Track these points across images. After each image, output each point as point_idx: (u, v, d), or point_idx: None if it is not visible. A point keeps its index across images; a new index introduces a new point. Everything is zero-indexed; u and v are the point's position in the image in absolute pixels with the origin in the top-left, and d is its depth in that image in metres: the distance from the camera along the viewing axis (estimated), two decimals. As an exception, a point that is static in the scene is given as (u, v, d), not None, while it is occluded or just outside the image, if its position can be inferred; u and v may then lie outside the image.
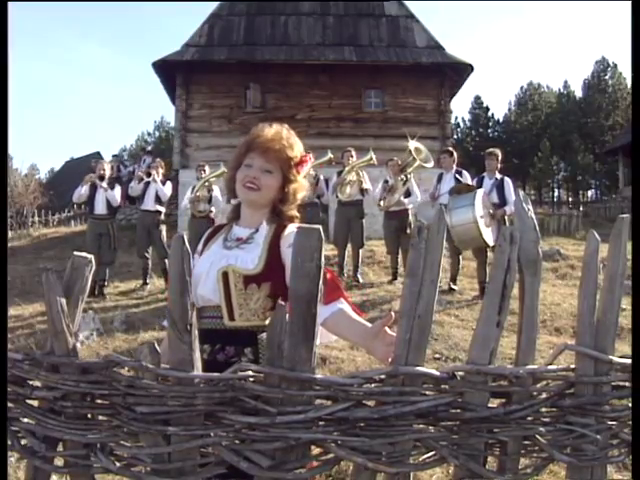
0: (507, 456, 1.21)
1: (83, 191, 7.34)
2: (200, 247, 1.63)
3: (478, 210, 5.56)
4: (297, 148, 1.58)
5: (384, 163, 7.70)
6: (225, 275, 1.47)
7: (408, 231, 6.78)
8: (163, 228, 7.60)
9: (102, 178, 7.27)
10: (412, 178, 7.10)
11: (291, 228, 1.52)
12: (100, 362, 1.17)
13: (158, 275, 7.72)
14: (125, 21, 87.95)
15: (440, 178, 6.95)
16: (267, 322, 1.40)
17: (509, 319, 1.28)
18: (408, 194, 7.07)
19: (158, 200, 7.55)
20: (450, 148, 7.61)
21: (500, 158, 6.71)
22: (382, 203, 7.11)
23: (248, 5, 14.51)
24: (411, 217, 7.15)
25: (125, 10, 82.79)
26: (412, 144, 6.88)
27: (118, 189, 7.57)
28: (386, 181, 7.20)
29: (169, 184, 7.82)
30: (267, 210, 1.59)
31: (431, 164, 7.09)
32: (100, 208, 7.33)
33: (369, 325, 1.41)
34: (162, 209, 7.66)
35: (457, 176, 6.82)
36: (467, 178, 6.88)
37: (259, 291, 1.46)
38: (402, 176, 6.97)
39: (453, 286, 6.63)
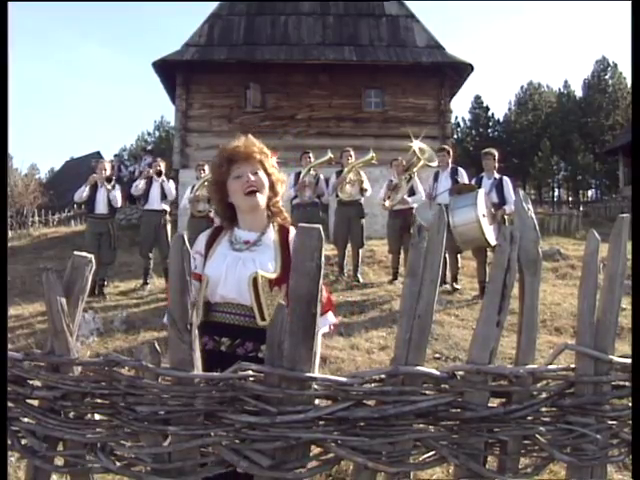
0: (507, 456, 1.21)
1: (87, 190, 7.31)
2: (202, 250, 1.67)
3: (480, 209, 5.55)
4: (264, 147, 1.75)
5: (384, 163, 7.67)
6: (255, 280, 1.56)
7: (412, 230, 6.73)
8: (169, 228, 7.60)
9: (109, 180, 7.26)
10: (416, 177, 7.10)
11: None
12: (100, 362, 1.17)
13: (158, 275, 7.71)
14: (125, 21, 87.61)
15: (437, 177, 6.94)
16: None
17: (509, 319, 1.28)
18: (412, 193, 7.08)
19: (164, 199, 7.55)
20: (446, 146, 7.56)
21: (497, 157, 6.69)
22: (386, 202, 7.11)
23: (248, 5, 14.50)
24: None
25: (125, 10, 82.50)
26: (416, 144, 6.87)
27: (119, 189, 7.57)
28: (391, 180, 7.21)
29: (172, 183, 7.83)
30: (264, 211, 1.69)
31: (435, 163, 7.06)
32: (101, 208, 7.30)
33: None
34: (167, 208, 7.66)
35: (453, 174, 6.82)
36: (463, 175, 6.85)
37: (280, 292, 1.58)
38: (406, 175, 6.97)
39: (456, 285, 6.62)
